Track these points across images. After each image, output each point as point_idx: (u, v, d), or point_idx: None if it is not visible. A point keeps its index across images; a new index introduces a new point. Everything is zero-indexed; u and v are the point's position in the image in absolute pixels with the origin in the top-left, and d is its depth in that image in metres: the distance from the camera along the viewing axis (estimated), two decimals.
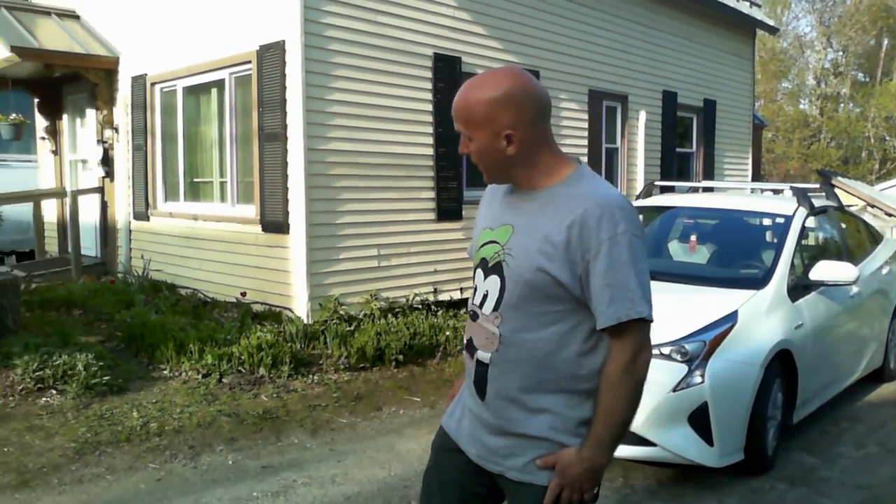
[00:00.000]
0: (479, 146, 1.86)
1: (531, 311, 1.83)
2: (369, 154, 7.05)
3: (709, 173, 11.76)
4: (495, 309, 1.89)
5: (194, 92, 8.14)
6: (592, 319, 1.80)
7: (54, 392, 4.98)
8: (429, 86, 7.54)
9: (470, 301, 2.01)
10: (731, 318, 4.23)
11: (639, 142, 10.28)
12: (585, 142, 9.42)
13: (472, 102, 1.84)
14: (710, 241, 5.77)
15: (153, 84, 8.39)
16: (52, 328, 6.00)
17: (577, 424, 1.84)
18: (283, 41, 6.62)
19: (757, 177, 15.21)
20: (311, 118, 6.60)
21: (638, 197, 6.43)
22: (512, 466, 1.89)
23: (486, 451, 1.94)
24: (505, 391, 1.88)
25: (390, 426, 4.92)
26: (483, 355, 1.92)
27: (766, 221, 5.68)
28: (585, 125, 9.39)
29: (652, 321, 1.79)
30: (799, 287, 4.78)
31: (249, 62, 7.06)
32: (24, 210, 10.27)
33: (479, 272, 1.95)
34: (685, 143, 11.58)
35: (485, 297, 1.92)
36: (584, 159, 9.39)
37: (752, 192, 7.41)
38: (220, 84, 7.67)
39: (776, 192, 7.05)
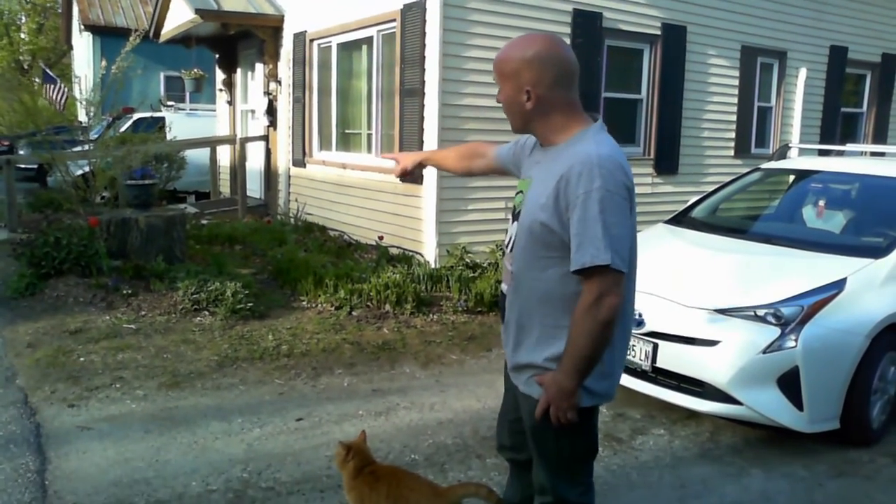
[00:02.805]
0: (506, 97, 2.17)
1: (533, 254, 2.11)
2: (501, 109, 7.26)
3: (881, 135, 10.87)
4: (511, 251, 2.22)
5: (347, 48, 8.71)
6: None
7: (207, 313, 5.78)
8: (567, 41, 7.57)
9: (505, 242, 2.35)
10: (837, 285, 4.11)
11: (796, 101, 9.71)
12: (735, 100, 9.07)
13: (506, 58, 2.15)
14: (844, 207, 5.51)
15: (311, 40, 9.06)
16: (213, 259, 6.85)
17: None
18: (424, 0, 6.95)
19: None
20: (446, 74, 6.93)
21: (770, 159, 6.21)
22: (519, 381, 2.24)
23: (510, 366, 2.31)
24: (515, 319, 2.22)
25: (496, 366, 5.24)
26: (504, 287, 2.30)
27: None
28: (735, 83, 9.04)
29: (617, 270, 1.95)
30: None
31: (394, 20, 7.47)
32: (205, 154, 11.51)
33: (512, 217, 2.27)
34: (855, 102, 10.75)
35: (510, 239, 2.24)
36: (733, 118, 9.08)
37: None
38: (368, 41, 8.17)
39: None
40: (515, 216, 2.21)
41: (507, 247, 2.28)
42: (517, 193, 2.25)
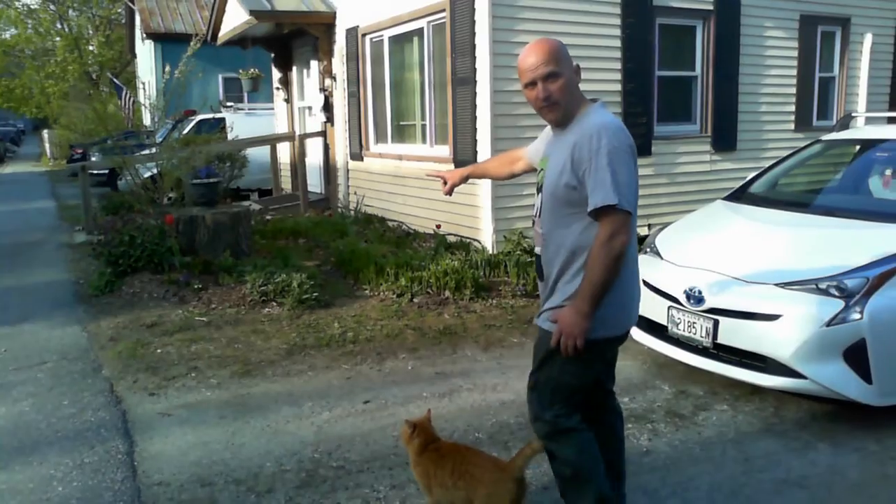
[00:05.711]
0: (567, 79, 2.49)
1: (559, 214, 2.51)
2: None
3: None
4: (539, 216, 2.62)
5: (398, 41, 8.83)
6: None
7: (274, 304, 6.00)
8: (617, 21, 7.56)
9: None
10: None
11: (862, 69, 9.40)
12: (794, 72, 8.85)
13: (554, 47, 2.50)
14: None
15: (363, 35, 9.21)
16: (278, 252, 7.08)
17: None
18: None
19: None
20: (497, 61, 6.97)
21: (832, 130, 6.06)
22: (539, 318, 2.64)
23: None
24: (551, 274, 2.58)
25: None
26: (537, 250, 2.68)
27: None
28: (794, 54, 8.81)
29: (625, 210, 2.35)
30: None
31: (444, 10, 7.55)
32: (265, 152, 11.80)
33: (537, 191, 2.67)
34: None
35: (537, 208, 2.65)
36: (792, 91, 8.89)
37: None
38: (419, 33, 8.27)
39: None
40: (539, 189, 2.62)
41: (535, 215, 2.66)
42: (539, 171, 2.66)
